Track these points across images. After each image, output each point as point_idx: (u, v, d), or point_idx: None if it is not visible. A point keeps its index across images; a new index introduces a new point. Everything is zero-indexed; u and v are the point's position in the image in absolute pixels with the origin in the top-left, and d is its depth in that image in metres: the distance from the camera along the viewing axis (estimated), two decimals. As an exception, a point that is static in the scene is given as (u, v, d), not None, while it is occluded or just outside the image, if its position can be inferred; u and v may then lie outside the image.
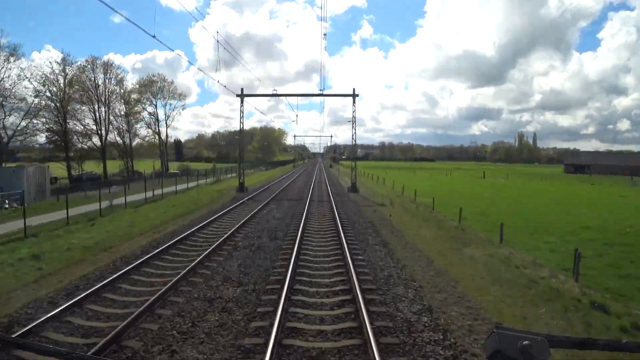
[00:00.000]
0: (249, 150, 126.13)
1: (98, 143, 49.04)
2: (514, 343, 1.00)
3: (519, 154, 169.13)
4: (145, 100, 58.54)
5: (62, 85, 45.12)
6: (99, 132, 48.69)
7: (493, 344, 1.02)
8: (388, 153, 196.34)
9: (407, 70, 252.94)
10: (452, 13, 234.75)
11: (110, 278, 7.09)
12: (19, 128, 38.91)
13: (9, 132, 38.60)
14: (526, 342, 1.00)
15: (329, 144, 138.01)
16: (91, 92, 48.30)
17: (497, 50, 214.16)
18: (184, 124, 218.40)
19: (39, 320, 5.29)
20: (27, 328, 5.02)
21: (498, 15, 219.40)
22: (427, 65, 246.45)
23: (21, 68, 41.03)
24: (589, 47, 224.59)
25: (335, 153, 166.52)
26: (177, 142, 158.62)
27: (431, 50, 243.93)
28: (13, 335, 4.64)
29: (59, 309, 5.61)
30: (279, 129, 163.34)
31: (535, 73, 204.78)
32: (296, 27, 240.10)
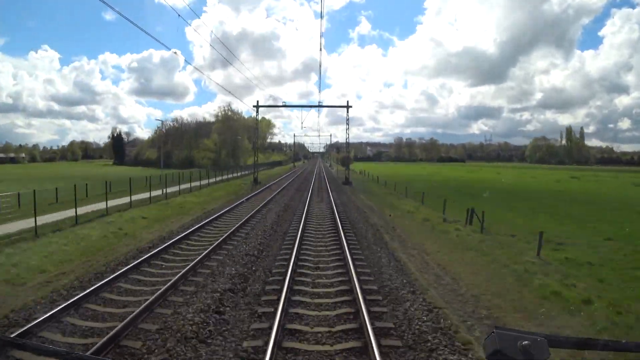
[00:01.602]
0: (206, 149, 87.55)
1: None
2: (514, 343, 1.02)
3: (568, 153, 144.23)
4: None
5: None
6: None
7: (493, 344, 1.04)
8: (405, 152, 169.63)
9: (406, 68, 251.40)
10: (452, 9, 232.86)
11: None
12: None
13: None
14: (526, 342, 1.02)
15: (329, 142, 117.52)
16: None
17: (498, 48, 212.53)
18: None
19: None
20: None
21: (499, 12, 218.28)
22: (426, 63, 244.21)
23: None
24: (591, 45, 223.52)
25: (338, 152, 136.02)
26: (117, 139, 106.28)
27: (431, 47, 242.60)
28: None
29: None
30: (263, 118, 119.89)
31: (536, 71, 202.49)
32: (293, 25, 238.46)
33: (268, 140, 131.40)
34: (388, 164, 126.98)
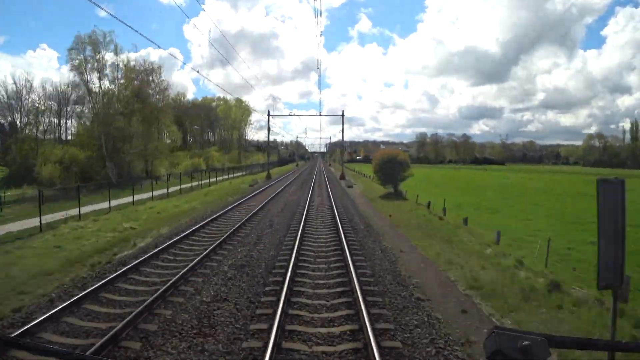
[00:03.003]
0: (78, 144, 44.05)
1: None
2: (514, 343, 1.04)
3: (632, 154, 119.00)
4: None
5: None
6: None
7: (493, 344, 1.06)
8: (430, 151, 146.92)
9: (407, 68, 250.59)
10: (454, 8, 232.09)
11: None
12: None
13: None
14: (526, 342, 1.03)
15: (332, 140, 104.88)
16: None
17: (500, 47, 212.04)
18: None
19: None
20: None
21: (501, 10, 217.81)
22: (427, 62, 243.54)
23: None
24: (594, 44, 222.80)
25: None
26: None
27: (432, 46, 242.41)
28: None
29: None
30: (238, 99, 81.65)
31: (538, 70, 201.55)
32: (292, 22, 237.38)
33: (252, 137, 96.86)
34: (419, 167, 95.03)
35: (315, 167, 79.21)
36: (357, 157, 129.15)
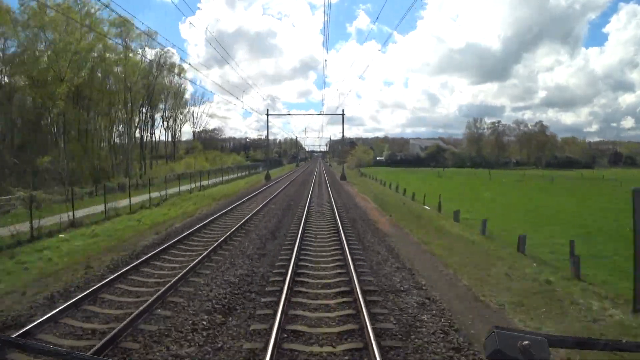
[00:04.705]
0: None
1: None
2: (514, 343, 1.04)
3: None
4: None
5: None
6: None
7: (493, 344, 1.06)
8: (487, 149, 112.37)
9: (407, 66, 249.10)
10: (454, 4, 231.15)
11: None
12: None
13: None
14: (526, 342, 1.03)
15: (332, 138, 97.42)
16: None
17: (502, 44, 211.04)
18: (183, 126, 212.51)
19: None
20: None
21: (503, 7, 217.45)
22: (428, 60, 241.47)
23: None
24: (596, 42, 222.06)
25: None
26: None
27: (432, 44, 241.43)
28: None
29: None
30: (128, 23, 36.29)
31: (540, 68, 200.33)
32: (289, 20, 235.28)
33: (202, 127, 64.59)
34: (480, 175, 65.47)
35: (310, 183, 41.80)
36: (378, 158, 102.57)
